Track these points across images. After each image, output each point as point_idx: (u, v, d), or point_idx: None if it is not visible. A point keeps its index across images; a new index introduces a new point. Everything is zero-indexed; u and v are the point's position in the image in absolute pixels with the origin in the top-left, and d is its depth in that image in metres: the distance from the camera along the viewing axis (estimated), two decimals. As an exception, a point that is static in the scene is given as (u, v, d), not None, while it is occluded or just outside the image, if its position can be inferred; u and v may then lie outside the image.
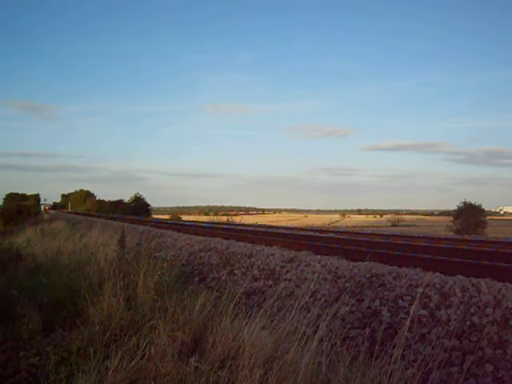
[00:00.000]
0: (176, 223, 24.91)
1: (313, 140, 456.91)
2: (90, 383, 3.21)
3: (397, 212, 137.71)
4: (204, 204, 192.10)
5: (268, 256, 8.21)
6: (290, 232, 15.18)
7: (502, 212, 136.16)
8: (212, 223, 27.95)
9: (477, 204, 42.57)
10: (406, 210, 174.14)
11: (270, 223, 39.59)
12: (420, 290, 5.03)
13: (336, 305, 5.01)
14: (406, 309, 4.85)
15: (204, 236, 12.96)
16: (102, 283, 5.69)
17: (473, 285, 4.89)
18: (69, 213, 58.03)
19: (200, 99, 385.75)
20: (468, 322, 4.31)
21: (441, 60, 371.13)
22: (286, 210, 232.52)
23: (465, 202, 42.78)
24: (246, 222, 29.86)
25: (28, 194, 71.46)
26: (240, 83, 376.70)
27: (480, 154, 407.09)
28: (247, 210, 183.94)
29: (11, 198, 62.95)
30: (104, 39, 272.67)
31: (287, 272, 7.18)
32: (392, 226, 71.84)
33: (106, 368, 3.40)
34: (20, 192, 70.21)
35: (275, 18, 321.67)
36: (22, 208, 41.03)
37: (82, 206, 79.15)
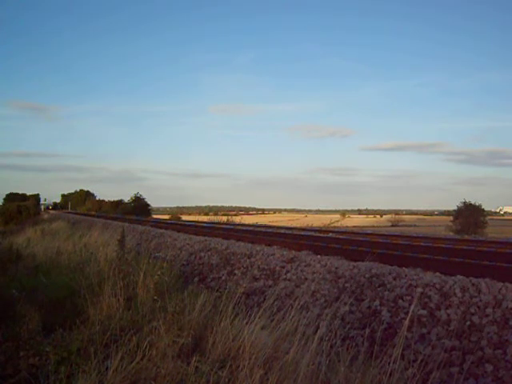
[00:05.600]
0: (176, 223, 24.92)
1: (313, 140, 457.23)
2: (90, 383, 3.21)
3: (397, 212, 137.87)
4: (204, 204, 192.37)
5: (268, 256, 8.21)
6: (290, 232, 15.18)
7: (501, 212, 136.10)
8: (212, 223, 27.97)
9: (477, 204, 42.63)
10: (406, 210, 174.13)
11: (270, 223, 39.58)
12: (419, 289, 5.04)
13: (336, 305, 5.02)
14: (406, 309, 4.85)
15: (204, 236, 12.96)
16: (102, 283, 5.69)
17: (473, 285, 4.89)
18: (69, 213, 58.01)
19: (201, 99, 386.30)
20: (468, 322, 4.31)
21: (441, 60, 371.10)
22: (286, 210, 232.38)
23: (465, 202, 42.82)
24: (246, 222, 29.90)
25: (28, 194, 71.57)
26: (241, 83, 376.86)
27: (480, 154, 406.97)
28: (247, 210, 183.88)
29: (11, 198, 62.96)
30: (104, 39, 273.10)
31: (287, 272, 7.18)
32: (392, 226, 71.83)
33: (107, 368, 3.40)
34: (20, 192, 70.37)
35: (276, 18, 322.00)
36: (22, 208, 41.02)
37: (82, 206, 79.10)
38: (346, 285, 5.93)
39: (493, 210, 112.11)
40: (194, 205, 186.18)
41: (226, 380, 3.24)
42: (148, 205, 63.34)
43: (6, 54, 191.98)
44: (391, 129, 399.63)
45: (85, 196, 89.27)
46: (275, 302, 5.01)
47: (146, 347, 3.69)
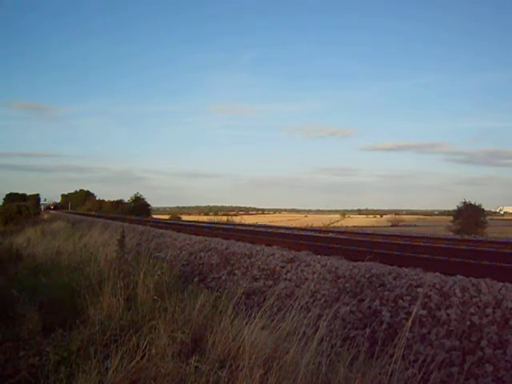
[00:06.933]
0: (176, 223, 24.90)
1: (313, 140, 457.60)
2: (90, 383, 3.21)
3: (397, 212, 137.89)
4: (204, 204, 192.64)
5: (268, 256, 8.20)
6: (290, 232, 15.17)
7: (501, 212, 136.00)
8: (212, 223, 27.94)
9: (477, 204, 42.65)
10: (406, 210, 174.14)
11: (270, 223, 39.57)
12: (420, 290, 5.03)
13: (336, 305, 5.02)
14: (406, 309, 4.85)
15: (204, 236, 12.95)
16: (102, 283, 5.69)
17: (473, 285, 4.89)
18: (69, 213, 57.97)
19: (202, 99, 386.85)
20: (468, 322, 4.31)
21: (441, 60, 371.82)
22: (285, 210, 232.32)
23: (465, 202, 42.85)
24: (246, 222, 29.84)
25: (28, 194, 71.56)
26: (242, 83, 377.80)
27: (480, 154, 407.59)
28: (247, 210, 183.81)
29: (11, 198, 62.94)
30: (104, 39, 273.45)
31: (287, 272, 7.17)
32: (392, 226, 71.83)
33: (106, 368, 3.40)
34: (20, 192, 70.34)
35: (276, 18, 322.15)
36: (22, 208, 41.01)
37: (82, 206, 79.05)
38: (346, 285, 5.92)
39: (493, 210, 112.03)
40: (194, 205, 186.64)
41: (226, 380, 3.24)
42: (148, 205, 63.33)
43: (5, 54, 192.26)
44: (391, 129, 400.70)
45: (85, 196, 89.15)
46: (275, 302, 5.01)
47: (145, 347, 3.69)
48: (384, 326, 4.66)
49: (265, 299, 5.44)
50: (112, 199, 69.83)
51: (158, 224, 21.65)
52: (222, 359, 3.61)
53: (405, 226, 69.41)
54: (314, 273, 6.66)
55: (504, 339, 3.98)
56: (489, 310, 4.36)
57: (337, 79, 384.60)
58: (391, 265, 6.40)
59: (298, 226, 34.02)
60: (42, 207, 74.39)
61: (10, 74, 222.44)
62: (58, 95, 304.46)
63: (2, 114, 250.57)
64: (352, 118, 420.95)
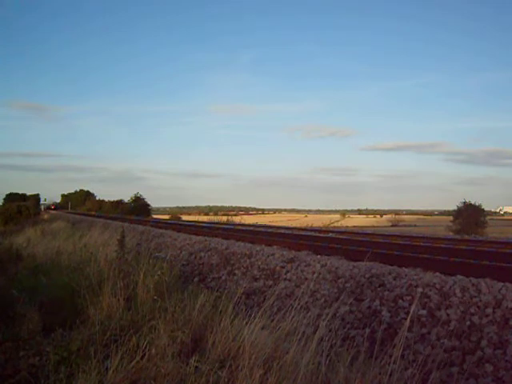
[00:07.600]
0: (176, 223, 24.90)
1: (313, 140, 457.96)
2: (89, 383, 3.21)
3: (397, 212, 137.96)
4: (204, 204, 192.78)
5: (268, 256, 8.20)
6: (290, 232, 15.17)
7: (501, 212, 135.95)
8: (212, 223, 27.94)
9: (477, 204, 42.66)
10: (406, 210, 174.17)
11: (270, 223, 39.57)
12: (420, 289, 5.04)
13: (336, 305, 5.02)
14: (406, 309, 4.85)
15: (204, 236, 12.95)
16: (102, 283, 5.68)
17: (473, 285, 4.89)
18: (69, 213, 57.94)
19: (202, 99, 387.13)
20: (468, 322, 4.31)
21: (441, 60, 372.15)
22: (285, 210, 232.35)
23: (465, 202, 42.85)
24: (246, 222, 29.84)
25: (28, 194, 71.54)
26: (242, 83, 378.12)
27: (480, 154, 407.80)
28: (247, 210, 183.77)
29: (11, 198, 62.92)
30: (104, 39, 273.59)
31: (287, 272, 7.17)
32: (392, 226, 71.84)
33: (106, 368, 3.40)
34: (20, 192, 70.31)
35: (276, 18, 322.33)
36: (22, 208, 40.99)
37: (82, 206, 79.01)
38: (346, 285, 5.92)
39: (493, 210, 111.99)
40: (194, 205, 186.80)
41: (226, 380, 3.24)
42: (148, 205, 63.31)
43: (5, 54, 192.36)
44: (391, 129, 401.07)
45: (85, 196, 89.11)
46: (275, 302, 5.01)
47: (145, 347, 3.69)
48: (384, 325, 4.65)
49: (265, 299, 5.44)
50: (112, 199, 69.84)
51: (158, 224, 21.65)
52: (222, 359, 3.61)
53: (405, 226, 69.41)
54: (314, 273, 6.66)
55: (504, 339, 3.98)
56: (489, 310, 4.36)
57: (337, 79, 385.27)
58: (391, 265, 6.40)
59: (298, 226, 34.03)
60: (42, 207, 74.30)
61: (9, 74, 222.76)
62: (58, 95, 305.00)
63: (1, 114, 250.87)
64: (352, 118, 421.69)
